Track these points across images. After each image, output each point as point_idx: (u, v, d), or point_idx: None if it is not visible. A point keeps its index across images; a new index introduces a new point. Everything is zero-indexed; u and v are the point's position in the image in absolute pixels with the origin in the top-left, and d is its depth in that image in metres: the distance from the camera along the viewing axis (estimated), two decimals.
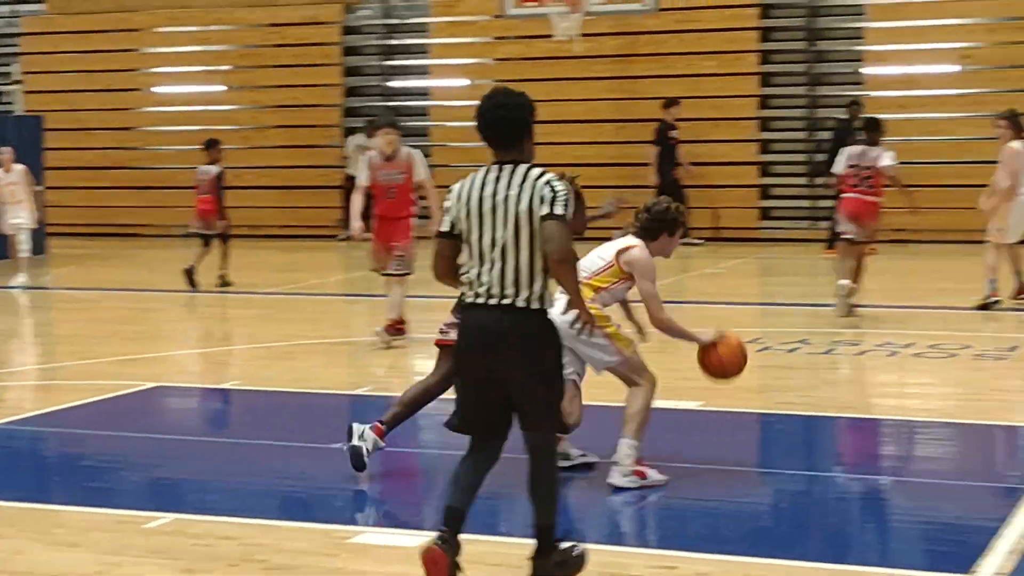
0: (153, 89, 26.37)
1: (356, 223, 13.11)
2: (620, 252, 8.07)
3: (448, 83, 24.56)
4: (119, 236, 25.13)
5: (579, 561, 6.21)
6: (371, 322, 14.96)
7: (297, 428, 9.71)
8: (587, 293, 7.50)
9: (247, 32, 25.78)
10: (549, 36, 21.13)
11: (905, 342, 12.68)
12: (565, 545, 6.20)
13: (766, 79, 23.12)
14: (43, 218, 20.03)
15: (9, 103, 24.41)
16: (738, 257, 20.82)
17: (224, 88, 26.05)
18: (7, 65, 26.38)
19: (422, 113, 24.60)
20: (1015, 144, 14.58)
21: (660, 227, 8.19)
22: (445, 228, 6.22)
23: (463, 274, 6.20)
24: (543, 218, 5.99)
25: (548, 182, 6.05)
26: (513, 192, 6.06)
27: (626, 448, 7.85)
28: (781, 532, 7.39)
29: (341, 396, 10.97)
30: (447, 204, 6.23)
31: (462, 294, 6.22)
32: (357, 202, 13.07)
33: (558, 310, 6.41)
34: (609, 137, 23.10)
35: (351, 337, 14.20)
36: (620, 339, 7.92)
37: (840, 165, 14.42)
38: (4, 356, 13.29)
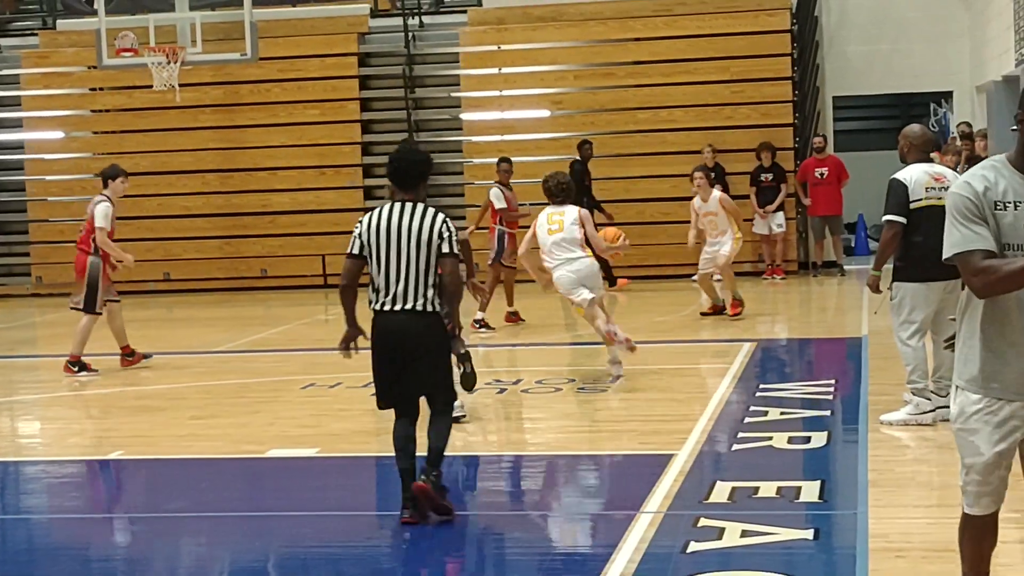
0: None
1: None
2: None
3: (43, 135, 23.80)
4: None
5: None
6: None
7: None
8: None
9: None
10: (149, 87, 20.76)
11: (514, 379, 13.01)
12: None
13: (368, 126, 23.38)
14: None
15: None
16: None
17: None
18: None
19: (18, 168, 23.76)
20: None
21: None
22: (356, 250, 8.00)
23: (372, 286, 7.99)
24: (443, 254, 7.89)
25: (444, 222, 7.96)
26: (415, 224, 7.89)
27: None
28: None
29: None
30: (356, 231, 8.01)
31: (370, 301, 7.99)
32: None
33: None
34: (215, 187, 22.88)
35: None
36: None
37: None
38: None
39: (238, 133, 23.05)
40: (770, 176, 21.34)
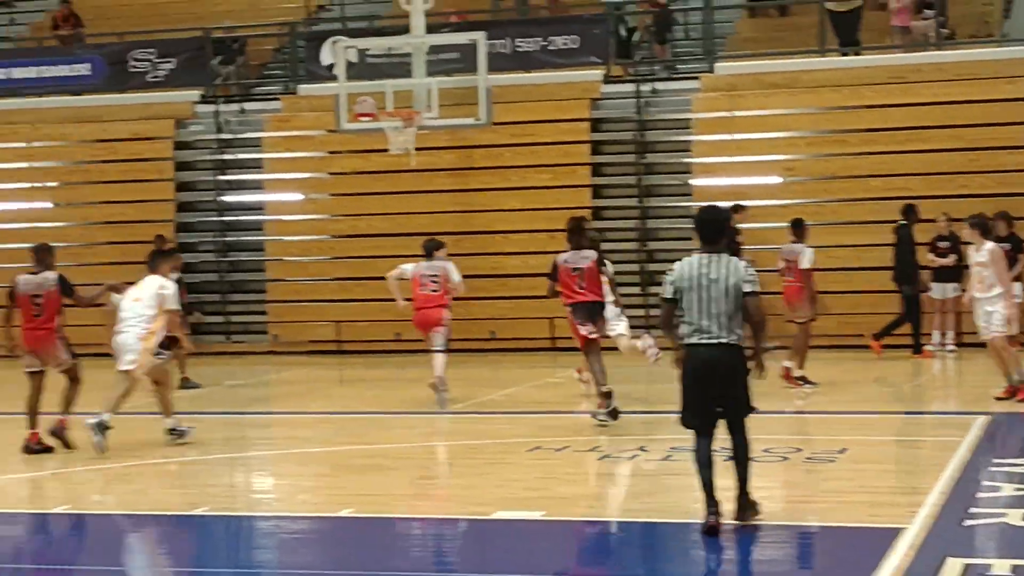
0: None
1: None
2: None
3: (283, 197, 24.49)
4: None
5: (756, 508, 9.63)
6: (207, 440, 14.70)
7: (133, 552, 9.48)
8: None
9: (75, 148, 25.47)
10: (385, 150, 21.22)
11: None
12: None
13: (598, 191, 23.49)
14: None
15: None
16: (576, 366, 20.92)
17: (52, 205, 25.65)
18: None
19: (258, 228, 24.47)
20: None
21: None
22: (669, 294, 9.44)
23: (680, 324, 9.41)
24: (747, 294, 9.31)
25: (746, 267, 9.41)
26: (722, 271, 9.32)
27: None
28: None
29: (179, 517, 10.74)
30: (669, 278, 9.42)
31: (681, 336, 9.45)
32: None
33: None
34: (449, 249, 23.07)
35: (188, 456, 13.95)
36: None
37: None
38: None
39: (471, 196, 23.36)
40: (1007, 246, 20.73)
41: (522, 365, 20.99)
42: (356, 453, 13.42)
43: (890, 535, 9.05)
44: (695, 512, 10.21)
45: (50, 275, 14.07)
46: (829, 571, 8.92)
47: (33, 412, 13.83)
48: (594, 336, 14.73)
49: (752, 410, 9.70)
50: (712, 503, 9.41)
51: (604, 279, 14.91)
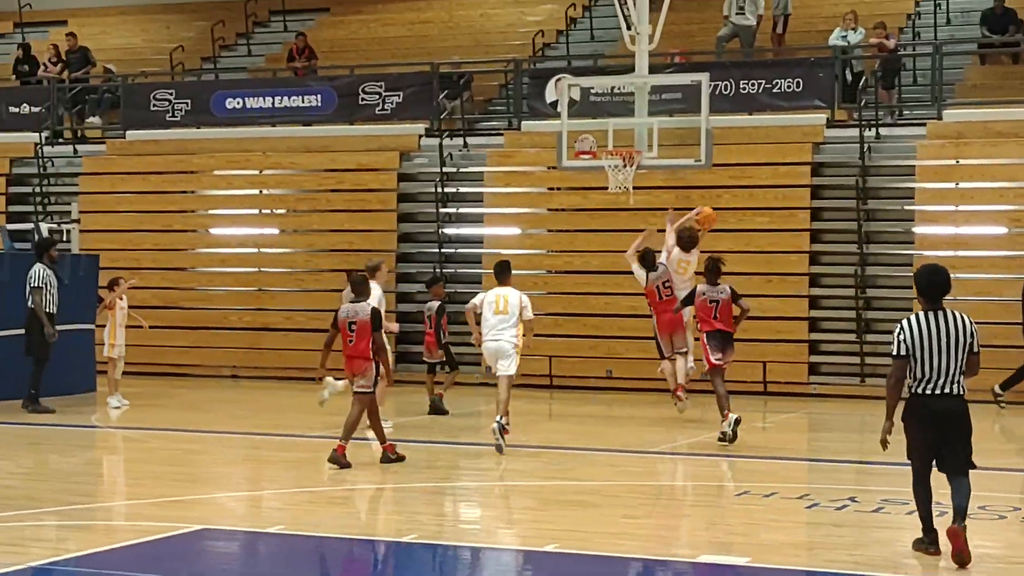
0: (209, 231, 26.72)
1: None
2: None
3: (501, 231, 24.77)
4: (169, 375, 25.28)
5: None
6: (419, 468, 14.97)
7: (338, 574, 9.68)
8: None
9: (304, 176, 26.16)
10: (604, 188, 21.32)
11: (1012, 505, 12.52)
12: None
13: (816, 236, 23.21)
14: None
15: (67, 242, 24.76)
16: (786, 412, 20.74)
17: (279, 231, 26.37)
18: (67, 204, 26.79)
19: (476, 260, 24.78)
20: None
21: None
22: (902, 352, 10.08)
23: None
24: (972, 353, 10.12)
25: (972, 323, 10.14)
26: (952, 328, 10.07)
27: None
28: None
29: (388, 543, 10.93)
30: (900, 336, 10.07)
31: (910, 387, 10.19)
32: None
33: None
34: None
35: (400, 483, 14.19)
36: None
37: None
38: (46, 494, 13.31)
39: None
40: None
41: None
42: (563, 489, 13.48)
43: None
44: (905, 567, 10.02)
45: (365, 305, 14.67)
46: None
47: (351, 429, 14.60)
48: (719, 363, 16.68)
49: (972, 465, 10.26)
50: (934, 536, 10.30)
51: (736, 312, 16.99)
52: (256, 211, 26.42)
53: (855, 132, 23.09)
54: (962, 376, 10.11)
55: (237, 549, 11.10)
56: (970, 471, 10.23)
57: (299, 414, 20.10)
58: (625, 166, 20.42)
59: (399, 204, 25.51)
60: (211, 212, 26.80)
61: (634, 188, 20.82)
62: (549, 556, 10.42)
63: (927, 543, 10.30)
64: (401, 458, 14.61)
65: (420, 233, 25.55)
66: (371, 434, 14.97)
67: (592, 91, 22.93)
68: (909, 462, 10.33)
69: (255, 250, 26.18)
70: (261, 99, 26.80)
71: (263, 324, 25.76)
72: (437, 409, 19.54)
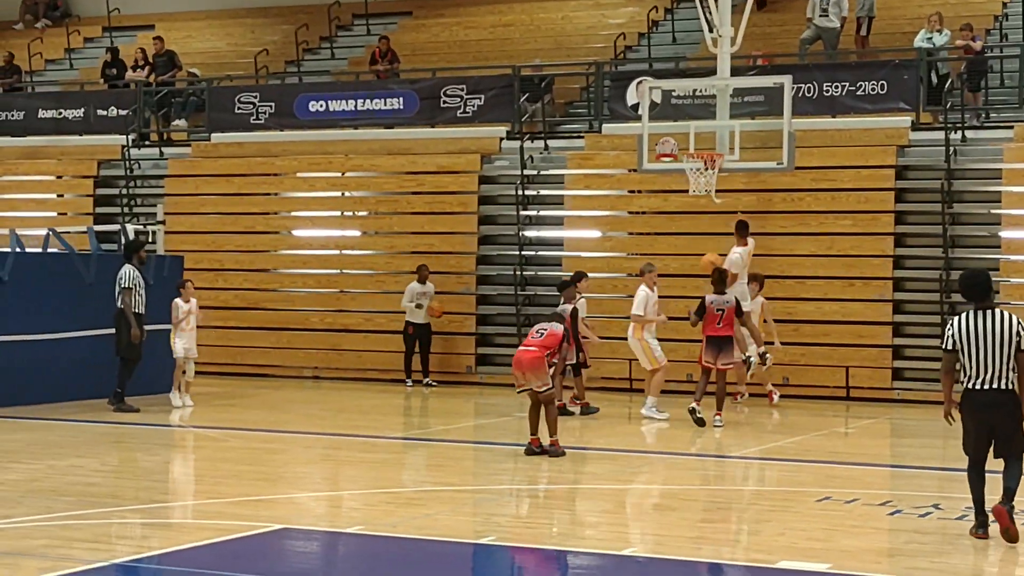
0: (292, 232, 26.90)
1: None
2: None
3: (582, 234, 24.74)
4: (250, 376, 25.49)
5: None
6: (497, 470, 14.99)
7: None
8: None
9: (385, 179, 26.27)
10: (685, 191, 21.24)
11: None
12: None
13: (900, 239, 22.98)
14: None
15: (152, 243, 25.04)
16: (869, 417, 20.55)
17: (360, 233, 26.49)
18: (152, 206, 27.09)
19: (556, 263, 24.75)
20: None
21: None
22: (949, 346, 10.86)
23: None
24: (1020, 350, 10.72)
25: (1019, 323, 10.76)
26: (998, 326, 10.75)
27: None
28: None
29: (465, 545, 10.94)
30: (949, 332, 10.89)
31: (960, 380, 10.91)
32: None
33: None
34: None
35: (477, 485, 14.20)
36: None
37: None
38: (129, 491, 13.45)
39: (767, 240, 23.14)
40: None
41: (813, 413, 20.65)
42: (641, 492, 13.43)
43: None
44: (988, 575, 9.88)
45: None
46: None
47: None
48: (710, 365, 18.67)
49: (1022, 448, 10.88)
50: (984, 518, 10.94)
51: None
52: (337, 213, 26.56)
53: (940, 135, 22.83)
54: (1012, 372, 10.73)
55: (316, 548, 11.15)
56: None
57: (378, 415, 20.22)
58: (706, 169, 20.37)
59: (480, 207, 25.54)
60: (293, 214, 26.97)
61: (716, 191, 20.75)
62: (627, 560, 10.38)
63: (976, 526, 10.97)
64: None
65: (500, 235, 25.56)
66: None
67: (673, 94, 22.86)
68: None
69: (336, 252, 26.32)
70: (344, 102, 26.95)
71: (343, 325, 25.88)
72: (585, 410, 19.93)
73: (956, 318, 11.00)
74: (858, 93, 23.29)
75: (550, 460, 15.20)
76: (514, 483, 14.28)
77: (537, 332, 15.70)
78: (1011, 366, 10.77)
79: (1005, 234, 22.28)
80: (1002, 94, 24.92)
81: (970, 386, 10.90)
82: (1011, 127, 22.89)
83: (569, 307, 19.51)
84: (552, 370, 15.56)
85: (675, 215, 23.68)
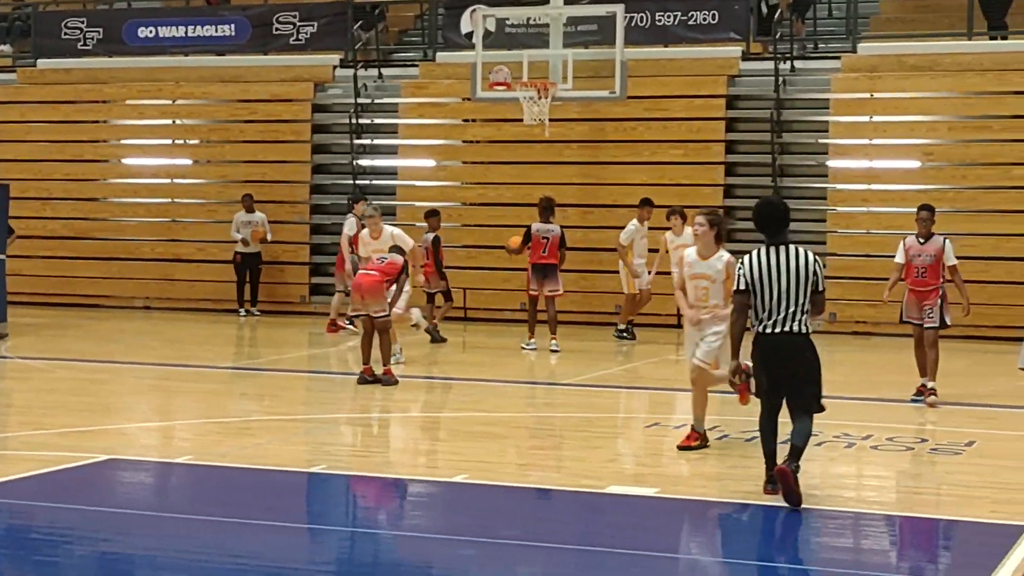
0: (121, 160, 26.35)
1: None
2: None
3: (416, 163, 24.62)
4: (79, 307, 25.01)
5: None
6: (330, 399, 14.93)
7: (249, 505, 9.63)
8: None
9: (217, 107, 25.83)
10: (518, 120, 21.23)
11: (864, 434, 12.68)
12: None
13: (731, 169, 23.27)
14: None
15: None
16: None
17: (192, 162, 26.06)
18: None
19: (390, 192, 24.63)
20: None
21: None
22: (742, 286, 9.80)
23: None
24: (817, 291, 9.79)
25: (816, 261, 9.80)
26: (792, 261, 9.75)
27: None
28: None
29: (296, 474, 10.88)
30: (740, 271, 9.82)
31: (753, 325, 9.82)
32: None
33: None
34: (575, 221, 23.14)
35: (308, 414, 14.13)
36: None
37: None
38: None
39: (600, 170, 23.29)
40: None
41: (647, 340, 20.87)
42: (473, 420, 13.47)
43: (1013, 532, 8.88)
44: (813, 498, 10.10)
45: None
46: (950, 565, 8.77)
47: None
48: (535, 293, 19.20)
49: (816, 400, 9.96)
50: (772, 475, 9.93)
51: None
52: (168, 141, 26.10)
53: (770, 65, 23.11)
54: (805, 315, 9.80)
55: (144, 479, 11.01)
56: (816, 412, 9.97)
57: (210, 345, 20.00)
58: (540, 98, 20.38)
59: (313, 135, 25.29)
60: (123, 142, 26.44)
61: (549, 120, 20.78)
62: (458, 486, 10.41)
63: (768, 481, 10.02)
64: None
65: (334, 165, 25.35)
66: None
67: (507, 22, 22.77)
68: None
69: (167, 181, 25.88)
70: (174, 28, 26.40)
71: (175, 255, 25.50)
72: (435, 338, 19.76)
73: (746, 256, 9.98)
74: (689, 23, 23.42)
75: (383, 389, 15.19)
76: (346, 412, 14.24)
77: (378, 259, 15.82)
78: (805, 308, 9.81)
79: (832, 163, 22.68)
80: (830, 24, 25.31)
81: (761, 329, 9.90)
82: (838, 57, 23.24)
83: (431, 236, 20.02)
84: (390, 298, 15.59)
85: (509, 144, 23.67)
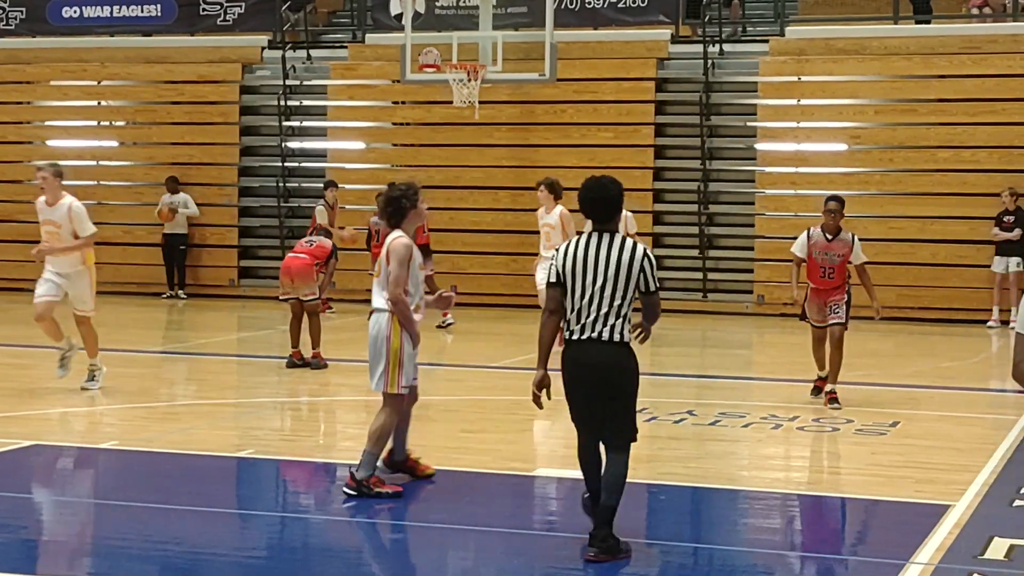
0: (46, 143, 26.03)
1: None
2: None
3: (345, 145, 24.51)
4: (4, 291, 24.70)
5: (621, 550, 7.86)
6: (258, 383, 14.84)
7: (175, 491, 9.54)
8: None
9: (143, 88, 25.58)
10: (448, 102, 21.17)
11: (790, 415, 12.76)
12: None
13: (661, 151, 23.33)
14: None
15: None
16: None
17: (118, 144, 25.80)
18: None
19: (319, 175, 24.50)
20: None
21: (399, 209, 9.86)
22: (553, 279, 7.93)
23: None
24: (646, 292, 7.97)
25: (645, 253, 7.97)
26: (614, 253, 7.86)
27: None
28: None
29: (223, 459, 10.80)
30: (553, 261, 7.98)
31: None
32: None
33: None
34: (506, 204, 23.15)
35: (237, 399, 14.03)
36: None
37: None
38: None
39: (531, 152, 23.28)
40: None
41: None
42: None
43: (937, 512, 8.97)
44: (740, 479, 10.16)
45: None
46: (873, 545, 8.85)
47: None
48: (430, 272, 18.60)
49: (632, 437, 8.14)
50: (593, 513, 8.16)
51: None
52: (94, 123, 25.81)
53: (699, 48, 23.18)
54: (623, 321, 7.92)
55: (68, 465, 10.89)
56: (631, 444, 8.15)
57: (136, 329, 19.81)
58: (469, 80, 20.30)
59: (241, 117, 25.10)
60: (47, 123, 26.14)
61: (479, 103, 20.72)
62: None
63: (589, 541, 7.99)
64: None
65: (263, 147, 25.19)
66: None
67: (437, 3, 22.67)
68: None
69: (93, 163, 25.61)
70: (98, 8, 26.07)
71: (101, 238, 24.83)
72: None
73: (565, 243, 8.19)
74: (619, 6, 23.42)
75: (312, 372, 15.12)
76: (274, 396, 14.16)
77: (307, 241, 15.87)
78: (624, 312, 7.92)
79: (760, 146, 22.79)
80: (759, 8, 25.42)
81: (569, 335, 8.00)
82: (766, 41, 23.35)
83: (378, 220, 19.76)
84: (320, 281, 15.58)
85: (438, 126, 23.60)
